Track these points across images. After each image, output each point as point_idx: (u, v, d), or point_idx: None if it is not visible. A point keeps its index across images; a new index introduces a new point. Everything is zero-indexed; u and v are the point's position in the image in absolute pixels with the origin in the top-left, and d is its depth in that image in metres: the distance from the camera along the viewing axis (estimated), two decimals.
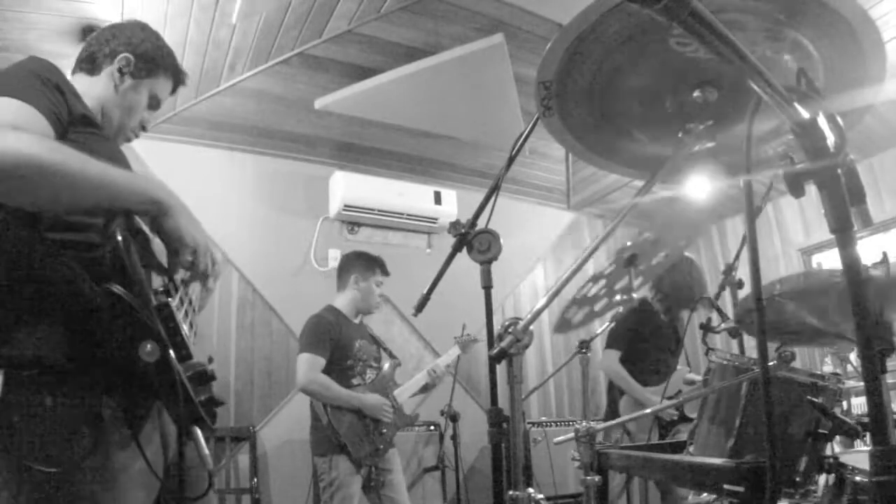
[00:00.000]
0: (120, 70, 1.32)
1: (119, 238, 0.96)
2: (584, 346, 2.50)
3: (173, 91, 1.45)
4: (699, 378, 3.36)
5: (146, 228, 1.06)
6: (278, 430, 3.66)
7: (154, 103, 1.39)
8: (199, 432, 1.11)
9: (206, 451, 1.20)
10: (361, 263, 3.17)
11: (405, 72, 3.25)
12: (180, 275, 1.13)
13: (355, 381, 2.94)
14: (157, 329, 0.96)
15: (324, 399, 2.82)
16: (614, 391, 3.34)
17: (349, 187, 4.06)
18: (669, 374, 3.25)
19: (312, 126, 3.85)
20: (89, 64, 1.33)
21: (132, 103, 1.34)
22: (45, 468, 0.94)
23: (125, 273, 0.96)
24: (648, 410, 2.05)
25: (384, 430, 2.91)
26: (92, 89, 1.29)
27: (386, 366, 3.12)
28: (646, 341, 3.31)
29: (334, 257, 4.13)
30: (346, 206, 4.05)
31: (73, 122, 1.12)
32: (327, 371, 2.87)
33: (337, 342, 2.93)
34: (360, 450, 2.79)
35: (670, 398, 2.87)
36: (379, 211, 4.16)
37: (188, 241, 1.07)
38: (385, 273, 3.20)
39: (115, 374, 1.01)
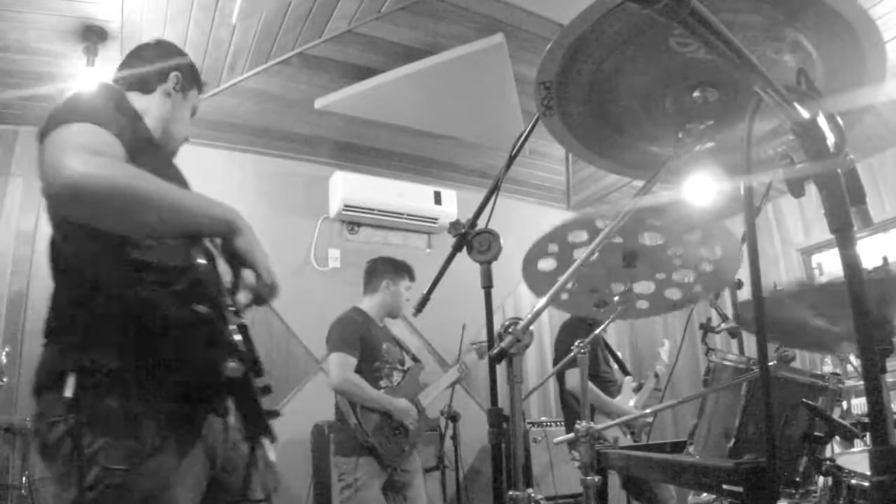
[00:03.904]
0: (174, 87, 1.39)
1: (203, 263, 1.00)
2: (582, 346, 2.49)
3: None
4: (643, 381, 3.47)
5: (215, 251, 1.09)
6: (278, 430, 3.62)
7: (195, 114, 1.50)
8: (266, 442, 1.19)
9: (273, 460, 1.26)
10: (392, 268, 3.18)
11: (405, 72, 3.25)
12: (243, 296, 1.15)
13: (382, 384, 2.95)
14: (240, 348, 1.00)
15: (357, 399, 2.81)
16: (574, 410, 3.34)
17: (349, 187, 4.05)
18: (617, 383, 3.37)
19: (312, 126, 3.84)
20: (141, 84, 1.38)
21: (185, 117, 1.44)
22: (109, 466, 0.98)
23: (207, 295, 0.99)
24: (648, 411, 2.05)
25: (409, 432, 2.92)
26: (150, 108, 1.36)
27: (413, 368, 3.15)
28: (595, 355, 3.33)
29: (334, 257, 4.13)
30: (346, 206, 4.05)
31: (138, 146, 1.14)
32: (356, 372, 2.87)
33: (365, 343, 2.93)
34: (387, 451, 2.80)
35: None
36: (379, 211, 4.16)
37: (260, 263, 1.10)
38: (412, 279, 3.22)
39: (182, 385, 1.05)
